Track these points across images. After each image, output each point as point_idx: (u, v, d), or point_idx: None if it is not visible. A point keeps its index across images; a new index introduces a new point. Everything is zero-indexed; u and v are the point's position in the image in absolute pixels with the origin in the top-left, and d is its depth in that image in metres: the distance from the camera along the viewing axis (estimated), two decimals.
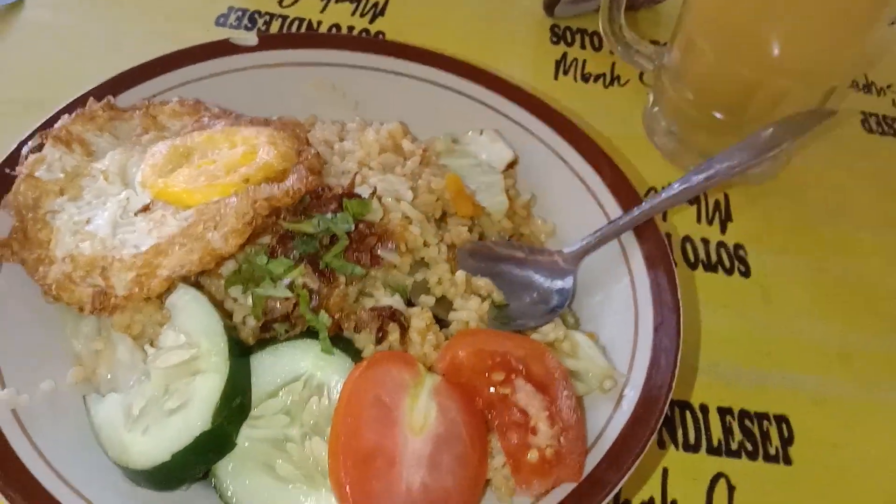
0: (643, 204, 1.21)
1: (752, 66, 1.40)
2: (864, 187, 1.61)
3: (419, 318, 1.02)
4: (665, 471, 1.16)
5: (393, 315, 1.00)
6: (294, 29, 1.73)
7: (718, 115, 1.48)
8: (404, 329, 1.01)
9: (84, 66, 1.56)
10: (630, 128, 1.65)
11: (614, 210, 1.24)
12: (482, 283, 1.14)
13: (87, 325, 1.05)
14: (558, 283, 1.19)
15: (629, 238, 1.20)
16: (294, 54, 1.39)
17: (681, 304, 1.11)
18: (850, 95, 1.80)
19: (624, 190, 1.25)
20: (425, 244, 1.12)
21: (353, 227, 1.03)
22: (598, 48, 1.81)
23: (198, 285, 1.03)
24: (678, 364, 1.05)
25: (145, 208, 1.06)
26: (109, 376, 1.02)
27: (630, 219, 1.20)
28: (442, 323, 1.08)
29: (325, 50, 1.39)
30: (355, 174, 1.11)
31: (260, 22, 1.73)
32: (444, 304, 1.11)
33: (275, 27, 1.72)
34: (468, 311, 1.07)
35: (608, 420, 1.02)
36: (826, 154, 1.66)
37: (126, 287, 0.99)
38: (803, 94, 1.42)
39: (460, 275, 1.11)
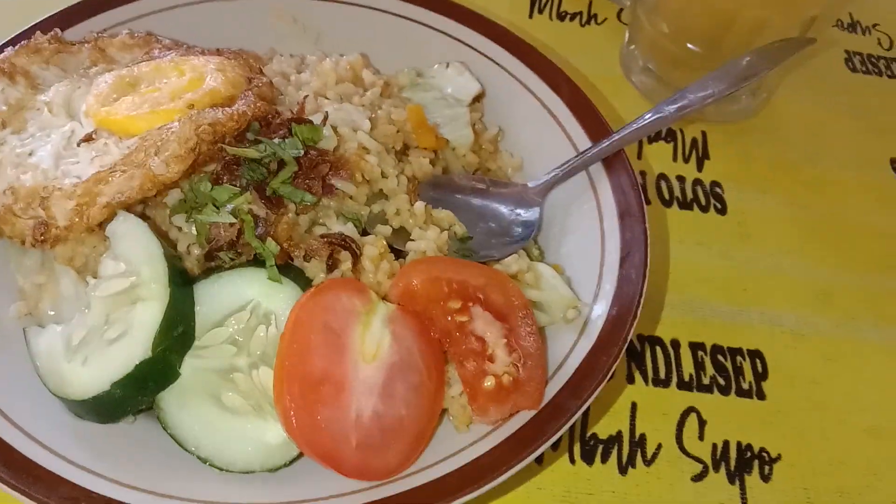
0: (612, 135, 1.17)
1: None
2: (846, 126, 1.56)
3: (372, 246, 0.99)
4: (634, 405, 1.13)
5: (344, 242, 0.96)
6: None
7: (694, 48, 1.43)
8: (356, 257, 0.98)
9: (38, 2, 1.50)
10: (607, 67, 1.60)
11: (583, 142, 1.20)
12: (443, 214, 1.10)
13: (30, 259, 1.02)
14: (523, 216, 1.15)
15: (598, 170, 1.16)
16: None
17: (648, 235, 1.07)
18: (835, 34, 1.75)
19: (593, 121, 1.21)
20: (383, 175, 1.08)
21: (301, 153, 0.99)
22: None
23: (143, 216, 0.99)
24: (643, 294, 1.02)
25: (88, 138, 1.02)
26: (52, 311, 0.98)
27: (598, 150, 1.16)
28: (400, 255, 1.04)
29: None
30: (305, 97, 1.06)
31: None
32: (403, 235, 1.07)
33: None
34: (426, 242, 1.04)
35: (570, 349, 0.99)
36: (807, 93, 1.61)
37: (67, 217, 0.96)
38: (781, 25, 1.37)
39: (419, 206, 1.07)
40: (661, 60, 1.51)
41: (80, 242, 0.98)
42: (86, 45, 1.20)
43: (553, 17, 1.68)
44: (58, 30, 1.21)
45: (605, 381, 0.94)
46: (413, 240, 1.05)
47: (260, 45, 1.32)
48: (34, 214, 0.98)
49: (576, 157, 1.18)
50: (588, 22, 1.68)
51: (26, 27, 1.21)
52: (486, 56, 1.31)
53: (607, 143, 1.16)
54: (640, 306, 1.01)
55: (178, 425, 0.89)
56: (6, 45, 1.18)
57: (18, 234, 0.98)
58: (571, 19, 1.68)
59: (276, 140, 0.99)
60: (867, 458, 1.12)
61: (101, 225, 0.97)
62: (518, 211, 1.15)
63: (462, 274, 0.97)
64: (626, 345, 0.98)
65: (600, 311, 1.02)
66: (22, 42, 1.17)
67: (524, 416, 0.92)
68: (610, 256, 1.08)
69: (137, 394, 0.88)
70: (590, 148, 1.17)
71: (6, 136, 1.07)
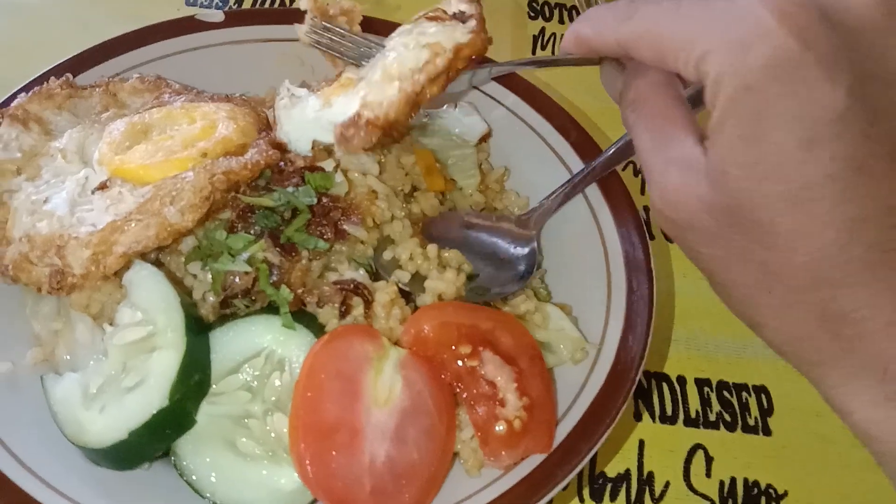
0: (600, 156, 1.18)
1: None
2: None
3: (384, 292, 1.00)
4: (641, 443, 1.14)
5: (356, 288, 0.98)
6: (265, 6, 1.70)
7: None
8: (368, 303, 0.99)
9: (50, 47, 1.53)
10: (608, 101, 1.59)
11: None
12: (451, 255, 1.10)
13: (46, 306, 1.03)
14: (522, 250, 1.16)
15: (601, 206, 1.18)
16: (261, 30, 1.36)
17: (654, 271, 1.09)
18: None
19: (593, 157, 1.23)
20: (393, 219, 1.10)
21: (315, 201, 1.01)
22: None
23: (158, 263, 1.01)
24: (651, 333, 1.04)
25: (102, 186, 1.04)
26: (68, 357, 1.00)
27: (588, 172, 1.17)
28: (409, 298, 1.06)
29: (292, 25, 1.36)
30: (318, 147, 1.08)
31: (231, 1, 1.70)
32: (417, 280, 1.08)
33: (246, 6, 1.69)
34: (445, 283, 1.04)
35: (579, 391, 1.00)
36: None
37: (83, 266, 0.97)
38: None
39: (432, 249, 1.08)
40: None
41: (96, 290, 1.00)
42: (97, 89, 1.23)
43: (555, 52, 1.70)
44: (69, 75, 1.23)
45: (615, 422, 0.96)
46: (429, 282, 1.05)
47: (266, 85, 1.34)
48: (50, 262, 0.99)
49: (563, 184, 1.19)
50: None
51: (39, 73, 1.23)
52: (491, 97, 1.33)
53: (596, 163, 1.17)
54: (648, 347, 1.03)
55: (194, 472, 0.90)
56: (19, 91, 1.20)
57: (35, 282, 1.00)
58: None
59: (291, 188, 1.01)
60: (871, 491, 1.13)
61: (117, 272, 0.99)
62: (517, 245, 1.16)
63: (471, 318, 0.99)
64: (635, 385, 0.99)
65: (608, 353, 1.03)
66: (35, 88, 1.19)
67: (535, 460, 0.94)
68: (616, 294, 1.10)
69: (155, 441, 0.90)
70: (578, 172, 1.19)
71: (21, 183, 1.09)
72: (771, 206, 0.61)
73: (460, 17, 1.08)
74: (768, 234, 0.62)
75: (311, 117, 1.08)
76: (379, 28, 1.25)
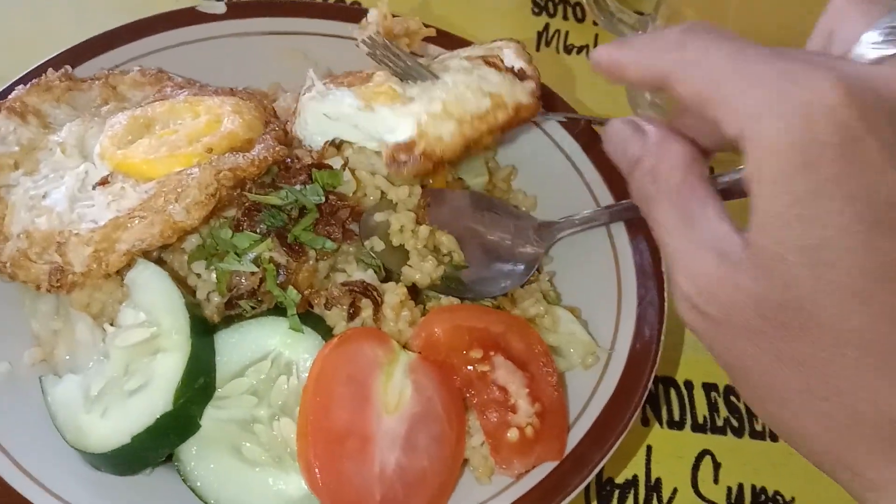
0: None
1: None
2: None
3: (393, 294, 0.98)
4: (649, 448, 1.13)
5: (365, 290, 0.96)
6: None
7: None
8: (377, 305, 0.97)
9: (50, 38, 1.49)
10: (613, 100, 1.59)
11: (592, 176, 1.20)
12: (446, 239, 1.07)
13: (45, 304, 1.00)
14: (519, 266, 1.11)
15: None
16: (264, 23, 1.33)
17: (665, 275, 1.07)
18: None
19: (602, 159, 1.21)
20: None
21: (323, 200, 0.99)
22: (580, 19, 1.76)
23: (160, 261, 0.99)
24: (662, 338, 1.03)
25: (104, 181, 1.01)
26: (68, 357, 0.97)
27: (620, 209, 1.14)
28: (417, 299, 1.03)
29: (296, 18, 1.34)
30: (327, 144, 1.06)
31: None
32: (390, 252, 1.04)
33: None
34: (422, 274, 1.02)
35: (590, 396, 0.99)
36: None
37: (84, 263, 0.95)
38: None
39: (424, 230, 1.05)
40: (669, 96, 1.52)
41: (97, 289, 0.97)
42: (96, 81, 1.19)
43: (560, 50, 1.68)
44: (68, 67, 1.20)
45: (627, 430, 0.94)
46: (410, 266, 1.03)
47: (267, 79, 1.31)
48: (50, 259, 0.97)
49: (594, 211, 1.16)
50: None
51: (37, 65, 1.20)
52: None
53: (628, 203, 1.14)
54: (659, 353, 1.01)
55: (198, 477, 0.88)
56: (17, 83, 1.17)
57: (33, 279, 0.97)
58: (578, 52, 1.68)
59: (298, 186, 0.98)
60: None
61: (118, 271, 0.96)
62: (517, 259, 1.12)
63: (483, 321, 0.97)
64: (646, 393, 0.98)
65: (619, 357, 1.02)
66: (33, 80, 1.16)
67: (547, 468, 0.92)
68: (627, 298, 1.08)
69: (158, 446, 0.88)
70: (610, 206, 1.16)
71: (19, 178, 1.06)
72: (837, 302, 0.54)
73: (517, 73, 1.09)
74: (832, 335, 0.55)
75: (346, 114, 1.05)
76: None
